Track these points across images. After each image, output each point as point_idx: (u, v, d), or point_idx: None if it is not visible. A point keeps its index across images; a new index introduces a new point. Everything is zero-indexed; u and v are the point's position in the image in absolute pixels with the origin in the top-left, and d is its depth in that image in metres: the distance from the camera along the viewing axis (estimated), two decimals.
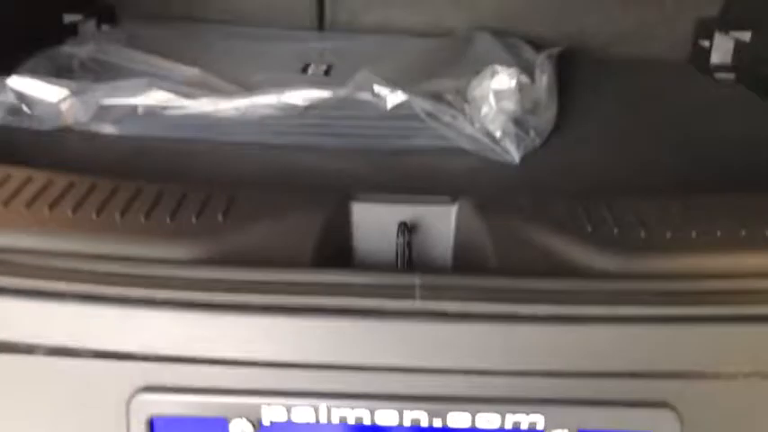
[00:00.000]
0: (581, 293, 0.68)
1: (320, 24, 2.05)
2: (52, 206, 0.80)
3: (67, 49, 1.64)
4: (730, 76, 1.90)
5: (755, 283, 0.72)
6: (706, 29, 1.97)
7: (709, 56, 1.94)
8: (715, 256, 0.75)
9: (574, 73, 1.86)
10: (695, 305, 0.67)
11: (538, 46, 1.91)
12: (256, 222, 0.79)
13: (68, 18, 1.90)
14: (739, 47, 1.89)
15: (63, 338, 0.71)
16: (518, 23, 2.00)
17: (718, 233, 0.78)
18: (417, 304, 0.67)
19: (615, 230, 0.78)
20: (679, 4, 2.01)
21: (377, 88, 1.31)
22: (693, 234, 0.78)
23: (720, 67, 1.92)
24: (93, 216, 0.79)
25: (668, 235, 0.78)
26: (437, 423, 0.69)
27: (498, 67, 1.35)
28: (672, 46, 2.04)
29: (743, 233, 0.78)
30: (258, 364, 0.68)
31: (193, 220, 0.79)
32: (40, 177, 0.86)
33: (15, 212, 0.80)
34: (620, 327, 0.66)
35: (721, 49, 1.93)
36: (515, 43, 1.89)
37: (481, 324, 0.66)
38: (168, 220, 0.79)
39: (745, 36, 1.86)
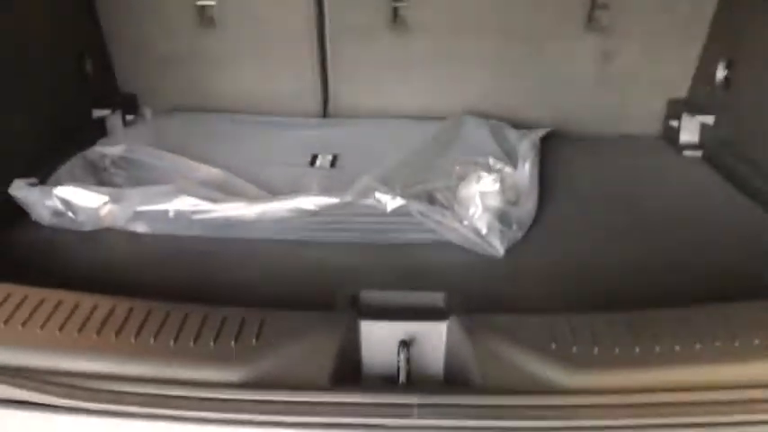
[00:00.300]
0: (545, 408, 0.86)
1: (324, 111, 2.25)
2: (118, 333, 0.98)
3: (99, 149, 1.84)
4: (697, 153, 2.09)
5: (688, 396, 0.90)
6: (675, 110, 2.17)
7: (679, 135, 2.14)
8: (653, 371, 0.94)
9: (555, 153, 2.05)
10: (634, 417, 0.85)
11: (522, 127, 2.12)
12: (284, 346, 0.97)
13: (97, 113, 2.10)
14: (704, 129, 2.09)
15: None
16: (504, 107, 2.20)
17: (657, 348, 0.96)
18: (416, 422, 0.85)
19: (574, 348, 0.96)
20: (652, 87, 2.21)
21: (378, 195, 1.51)
22: (637, 350, 0.96)
23: (688, 146, 2.12)
24: (152, 341, 0.97)
25: (616, 351, 0.96)
26: None
27: (483, 174, 1.54)
28: (646, 123, 2.24)
29: (677, 349, 0.96)
30: None
31: (232, 344, 0.97)
32: (105, 303, 1.04)
33: (87, 338, 0.98)
34: None
35: (688, 129, 2.13)
36: (501, 127, 2.08)
37: None
38: (212, 344, 0.97)
39: (709, 120, 2.05)
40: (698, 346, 0.97)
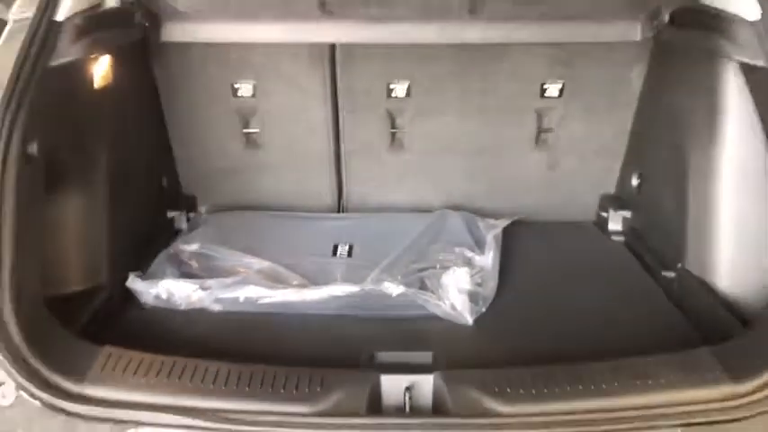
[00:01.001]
0: (489, 426, 1.54)
1: (339, 207, 2.94)
2: (237, 385, 1.64)
3: (180, 246, 2.51)
4: (621, 239, 2.80)
5: (570, 417, 1.58)
6: (605, 204, 2.88)
7: (608, 224, 2.85)
8: (553, 404, 1.61)
9: (514, 236, 2.72)
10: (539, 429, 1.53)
11: (489, 216, 2.81)
12: (337, 391, 1.63)
13: (169, 214, 2.79)
14: (625, 221, 2.80)
15: None
16: (475, 201, 2.89)
17: (556, 389, 1.63)
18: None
19: (508, 389, 1.63)
20: (586, 187, 2.92)
21: (386, 284, 2.20)
22: (545, 390, 1.63)
23: (614, 233, 2.82)
24: (259, 388, 1.64)
25: (533, 391, 1.63)
26: None
27: (457, 268, 2.24)
28: (583, 214, 2.95)
29: (580, 388, 1.63)
30: None
31: (307, 390, 1.64)
32: (224, 367, 1.70)
33: (219, 388, 1.65)
34: None
35: (614, 220, 2.83)
36: (473, 219, 2.77)
37: None
38: (295, 391, 1.64)
39: (628, 214, 2.77)
40: (580, 386, 1.65)
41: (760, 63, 1.84)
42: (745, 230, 2.09)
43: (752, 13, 1.87)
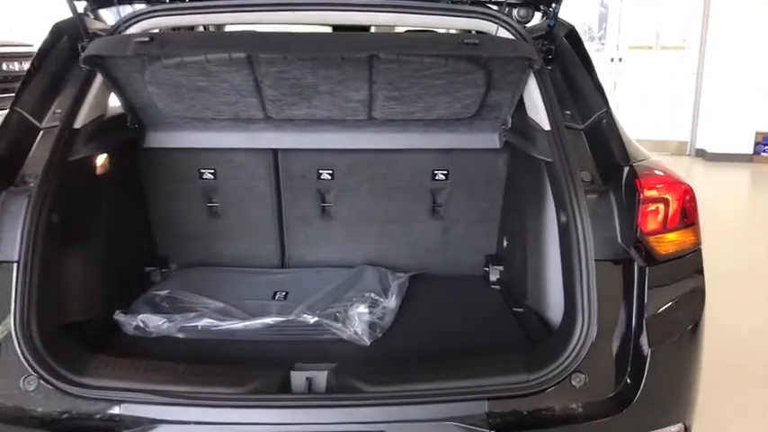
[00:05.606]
0: (354, 398, 2.34)
1: (282, 263, 3.77)
2: (189, 375, 2.42)
3: (155, 292, 3.30)
4: (498, 287, 3.63)
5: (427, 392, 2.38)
6: (487, 262, 3.73)
7: (489, 276, 3.69)
8: (408, 385, 2.40)
9: (416, 286, 3.55)
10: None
11: (399, 270, 3.64)
12: (257, 380, 2.41)
13: (147, 269, 3.59)
14: (500, 274, 3.64)
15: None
16: (387, 258, 3.73)
17: (417, 376, 2.43)
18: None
19: (375, 377, 2.43)
20: (474, 248, 3.77)
21: (304, 316, 3.00)
22: (399, 377, 2.42)
23: (494, 283, 3.66)
24: (203, 378, 2.41)
25: (391, 378, 2.43)
26: None
27: (360, 304, 3.05)
28: (472, 269, 3.79)
29: (425, 375, 2.43)
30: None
31: (237, 379, 2.42)
32: (180, 365, 2.48)
33: (169, 379, 2.42)
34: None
35: (493, 273, 3.67)
36: (385, 272, 3.60)
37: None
38: (228, 379, 2.41)
39: (501, 269, 3.62)
40: (426, 375, 2.45)
41: (549, 159, 2.74)
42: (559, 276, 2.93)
43: (546, 125, 2.78)
